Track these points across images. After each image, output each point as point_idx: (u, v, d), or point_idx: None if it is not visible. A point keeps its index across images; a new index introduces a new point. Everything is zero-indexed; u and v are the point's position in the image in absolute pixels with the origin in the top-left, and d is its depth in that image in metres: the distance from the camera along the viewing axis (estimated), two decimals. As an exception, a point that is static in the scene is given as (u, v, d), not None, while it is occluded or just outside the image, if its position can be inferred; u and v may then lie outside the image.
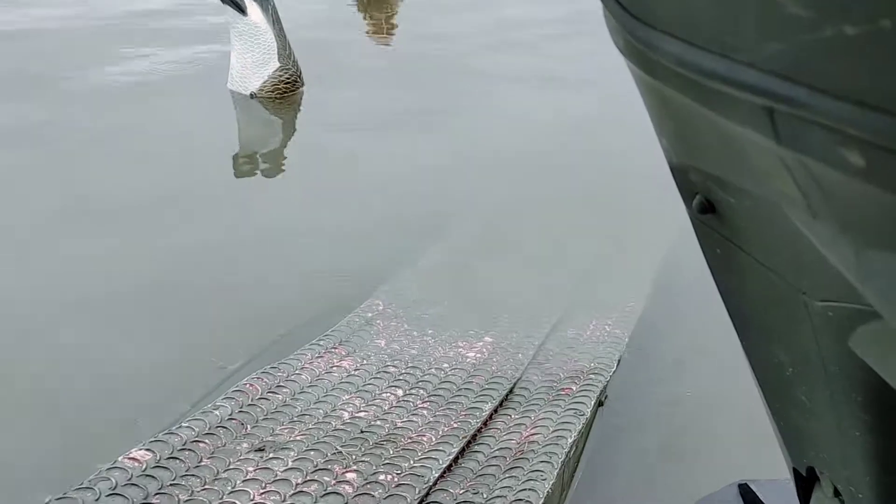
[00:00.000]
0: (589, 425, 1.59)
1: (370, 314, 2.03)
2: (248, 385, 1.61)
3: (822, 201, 0.40)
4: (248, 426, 1.51)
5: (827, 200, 0.39)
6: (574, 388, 1.64)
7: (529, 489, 1.30)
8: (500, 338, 1.91)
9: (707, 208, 0.59)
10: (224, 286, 2.23)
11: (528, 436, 1.48)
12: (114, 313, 2.07)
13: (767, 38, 0.35)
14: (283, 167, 3.16)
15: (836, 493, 0.67)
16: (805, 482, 0.72)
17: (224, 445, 1.44)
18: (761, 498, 1.12)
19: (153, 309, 2.10)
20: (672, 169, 0.60)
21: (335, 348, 1.83)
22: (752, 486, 1.14)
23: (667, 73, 0.46)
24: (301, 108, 3.52)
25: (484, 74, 4.00)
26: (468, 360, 1.80)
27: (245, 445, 1.45)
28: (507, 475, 1.37)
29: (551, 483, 1.31)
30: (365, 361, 1.78)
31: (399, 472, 1.38)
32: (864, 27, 0.30)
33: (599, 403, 1.66)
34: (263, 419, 1.53)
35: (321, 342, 1.85)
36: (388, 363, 1.79)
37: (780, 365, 0.66)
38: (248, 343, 1.93)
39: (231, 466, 1.39)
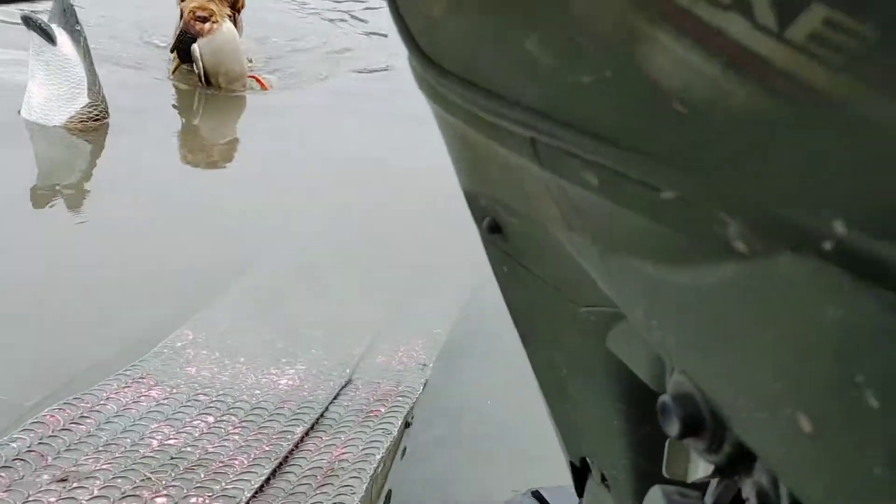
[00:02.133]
0: (397, 444, 1.68)
1: (179, 344, 2.01)
2: (48, 416, 1.56)
3: (574, 216, 0.51)
4: (49, 457, 1.46)
5: (577, 215, 0.50)
6: (383, 410, 1.73)
7: (340, 503, 1.36)
8: (311, 365, 1.96)
9: (495, 229, 0.70)
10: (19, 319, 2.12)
11: (338, 455, 1.54)
12: None
13: (529, 81, 0.46)
14: (87, 198, 3.03)
15: (603, 479, 0.79)
16: (579, 472, 0.84)
17: (22, 478, 1.39)
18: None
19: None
20: (465, 195, 0.71)
21: (143, 378, 1.80)
22: (544, 493, 1.26)
23: (459, 111, 0.56)
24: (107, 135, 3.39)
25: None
26: (280, 386, 1.84)
27: (46, 477, 1.40)
28: (318, 492, 1.42)
29: (360, 497, 1.38)
30: (175, 390, 1.77)
31: (210, 494, 1.39)
32: (593, 76, 0.41)
33: (406, 424, 1.76)
34: (66, 450, 1.49)
35: (127, 372, 1.81)
36: (199, 391, 1.79)
37: (556, 367, 0.78)
38: (44, 380, 1.85)
39: (31, 499, 1.34)
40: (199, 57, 3.85)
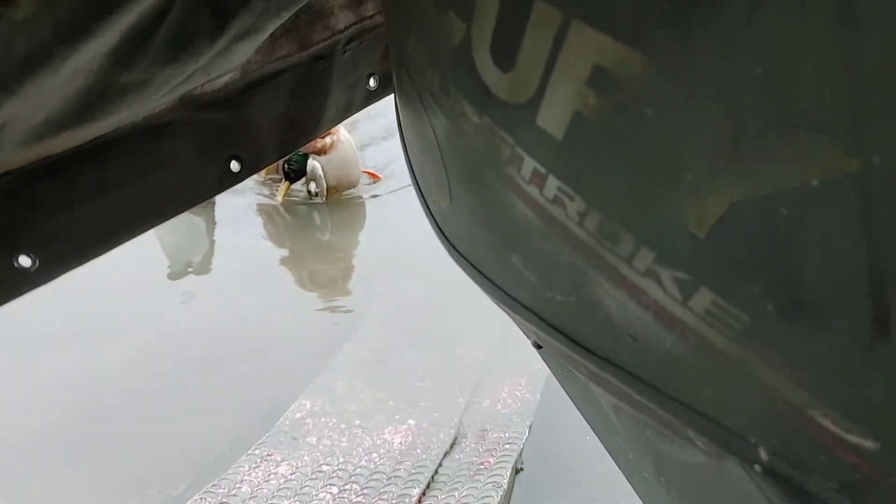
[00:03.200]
0: (509, 494, 1.76)
1: (299, 414, 2.15)
2: (192, 507, 1.72)
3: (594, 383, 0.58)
4: (197, 547, 1.61)
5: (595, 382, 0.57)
6: (492, 461, 1.81)
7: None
8: (422, 419, 2.06)
9: (538, 346, 0.77)
10: (158, 408, 2.31)
11: (454, 514, 1.63)
12: (44, 449, 2.13)
13: (518, 287, 0.53)
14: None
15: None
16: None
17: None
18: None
19: (85, 440, 2.17)
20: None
21: (270, 455, 1.95)
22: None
23: (473, 278, 0.64)
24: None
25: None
26: (395, 446, 1.95)
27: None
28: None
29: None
30: (300, 463, 1.91)
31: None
32: (564, 298, 0.48)
33: (517, 471, 1.83)
34: (210, 537, 1.64)
35: (256, 451, 1.96)
36: (322, 461, 1.92)
37: (623, 451, 0.84)
38: (190, 465, 2.01)
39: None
40: (321, 175, 3.42)
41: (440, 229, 0.66)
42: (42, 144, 0.48)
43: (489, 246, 0.55)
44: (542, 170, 0.41)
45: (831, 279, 0.28)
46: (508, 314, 0.61)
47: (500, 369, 2.31)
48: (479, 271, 0.59)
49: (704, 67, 0.29)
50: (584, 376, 0.51)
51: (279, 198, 3.51)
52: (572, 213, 0.40)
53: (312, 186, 3.48)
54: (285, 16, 0.65)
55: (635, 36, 0.31)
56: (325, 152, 3.40)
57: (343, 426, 2.08)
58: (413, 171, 0.70)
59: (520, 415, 2.02)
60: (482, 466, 1.80)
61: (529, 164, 0.42)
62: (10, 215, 0.51)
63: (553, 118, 0.38)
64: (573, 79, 0.35)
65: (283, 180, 3.50)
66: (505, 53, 0.40)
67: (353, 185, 3.59)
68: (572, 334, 0.48)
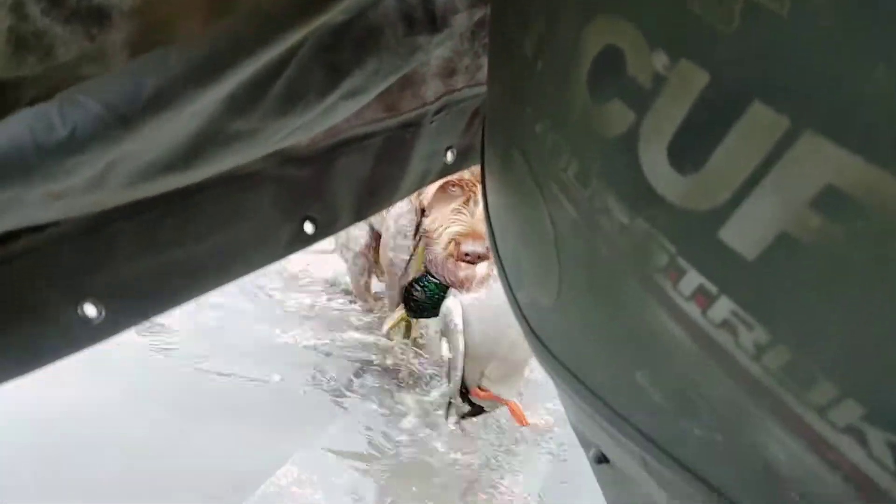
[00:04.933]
0: None
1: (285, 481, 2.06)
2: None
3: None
4: None
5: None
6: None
7: None
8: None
9: (602, 459, 0.72)
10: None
11: None
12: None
13: (638, 408, 0.48)
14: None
15: None
16: None
17: None
18: None
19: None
20: (573, 428, 0.73)
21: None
22: None
23: (566, 385, 0.59)
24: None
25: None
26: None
27: None
28: None
29: None
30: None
31: None
32: (704, 432, 0.42)
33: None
34: None
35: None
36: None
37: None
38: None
39: None
40: (460, 329, 1.68)
41: (529, 325, 0.61)
42: (142, 186, 0.44)
43: (603, 357, 0.49)
44: (713, 288, 0.36)
45: None
46: (600, 428, 0.55)
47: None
48: (578, 379, 0.53)
49: None
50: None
51: (385, 328, 2.21)
52: (746, 344, 0.35)
53: (445, 349, 1.78)
54: (393, 78, 0.62)
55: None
56: (466, 287, 1.74)
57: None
58: (499, 255, 0.65)
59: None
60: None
61: (694, 279, 0.37)
62: (84, 254, 0.47)
63: (745, 235, 0.33)
64: (790, 195, 0.30)
65: (402, 308, 1.96)
66: (689, 153, 0.35)
67: (508, 375, 1.74)
68: (708, 477, 0.42)
